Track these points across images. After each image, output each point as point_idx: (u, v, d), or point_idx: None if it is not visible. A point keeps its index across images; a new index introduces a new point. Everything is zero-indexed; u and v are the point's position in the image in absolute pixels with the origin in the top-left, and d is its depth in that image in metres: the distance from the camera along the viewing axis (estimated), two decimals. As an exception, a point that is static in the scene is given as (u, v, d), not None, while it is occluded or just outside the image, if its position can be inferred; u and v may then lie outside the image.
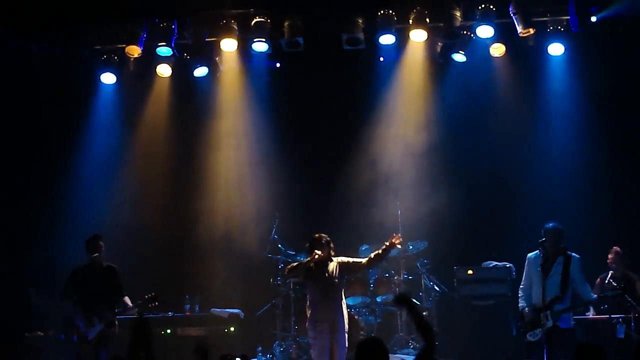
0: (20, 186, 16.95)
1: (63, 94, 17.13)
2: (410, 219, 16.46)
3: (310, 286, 13.24)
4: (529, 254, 13.21)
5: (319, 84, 17.41)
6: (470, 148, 17.10)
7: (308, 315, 13.17)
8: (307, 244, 13.32)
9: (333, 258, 13.20)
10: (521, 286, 13.29)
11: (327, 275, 13.06)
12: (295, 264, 13.51)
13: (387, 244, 13.14)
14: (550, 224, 13.02)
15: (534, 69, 16.87)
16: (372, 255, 13.35)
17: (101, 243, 13.98)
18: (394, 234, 13.31)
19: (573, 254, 12.87)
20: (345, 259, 13.30)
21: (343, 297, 13.27)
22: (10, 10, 15.97)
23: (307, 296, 13.35)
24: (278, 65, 17.53)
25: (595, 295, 13.23)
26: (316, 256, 12.99)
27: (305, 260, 13.27)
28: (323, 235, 13.24)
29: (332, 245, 13.23)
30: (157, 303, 14.01)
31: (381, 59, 17.25)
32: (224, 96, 17.68)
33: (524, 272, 13.34)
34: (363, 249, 16.25)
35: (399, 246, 13.46)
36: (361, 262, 13.39)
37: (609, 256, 14.68)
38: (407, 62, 17.06)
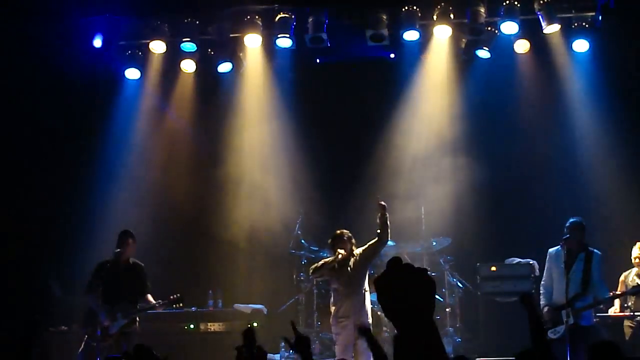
0: (44, 180, 17.01)
1: (87, 89, 17.19)
2: (433, 216, 16.46)
3: (333, 283, 13.26)
4: (550, 250, 13.17)
5: (342, 80, 17.43)
6: (494, 144, 17.06)
7: (332, 312, 13.19)
8: (329, 241, 13.32)
9: (354, 253, 13.21)
10: (542, 282, 13.25)
11: (349, 271, 13.08)
12: (319, 264, 13.48)
13: (377, 204, 13.14)
14: (573, 219, 12.97)
15: (559, 66, 16.81)
16: (378, 230, 13.25)
17: (128, 239, 13.99)
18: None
19: (595, 250, 12.82)
20: (360, 249, 13.28)
21: (367, 292, 13.27)
22: (37, 5, 16.07)
23: (331, 292, 13.36)
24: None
25: (610, 294, 13.10)
26: (340, 256, 13.00)
27: (330, 259, 13.28)
28: (345, 231, 13.26)
29: (353, 241, 13.23)
30: (182, 304, 14.05)
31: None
32: (247, 92, 17.71)
33: (545, 268, 13.30)
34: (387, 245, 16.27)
35: (382, 203, 13.30)
36: (374, 241, 13.29)
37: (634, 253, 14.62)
38: (431, 58, 17.02)
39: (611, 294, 13.20)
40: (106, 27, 16.64)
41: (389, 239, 13.74)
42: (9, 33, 16.19)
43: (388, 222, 13.22)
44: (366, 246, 13.32)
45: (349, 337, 12.98)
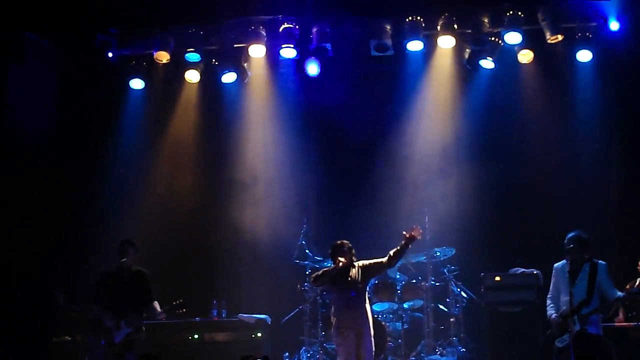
0: (49, 189, 17.03)
1: (92, 100, 17.25)
2: (437, 226, 16.46)
3: (334, 293, 13.25)
4: (556, 264, 13.15)
5: (347, 90, 17.46)
6: (497, 154, 17.09)
7: (333, 322, 13.17)
8: (329, 251, 13.33)
9: (355, 263, 13.20)
10: (549, 295, 13.22)
11: (350, 281, 13.05)
12: (320, 272, 13.43)
13: (407, 236, 12.97)
14: (573, 233, 12.96)
15: (562, 76, 16.83)
16: (392, 252, 13.13)
17: (130, 248, 14.04)
18: (413, 226, 13.21)
19: (599, 261, 12.81)
20: (366, 262, 13.25)
21: (367, 302, 13.26)
22: (43, 16, 16.11)
23: (332, 303, 13.35)
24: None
25: (621, 293, 13.06)
26: (340, 264, 12.99)
27: (330, 268, 13.27)
28: (345, 242, 13.24)
29: (353, 251, 13.22)
30: (184, 310, 14.07)
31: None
32: (252, 102, 17.75)
33: (551, 281, 13.28)
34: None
35: (419, 237, 13.25)
36: (382, 261, 13.24)
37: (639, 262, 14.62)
38: (435, 69, 17.05)
39: (621, 293, 13.05)
40: (111, 38, 16.72)
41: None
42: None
43: (404, 253, 13.26)
44: (372, 261, 13.30)
45: (350, 348, 12.95)
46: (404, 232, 13.05)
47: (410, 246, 13.15)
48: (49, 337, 16.07)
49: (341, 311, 13.06)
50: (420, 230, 13.18)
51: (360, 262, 13.24)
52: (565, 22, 15.93)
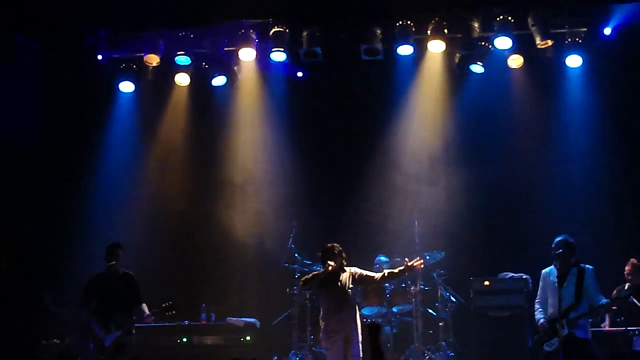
0: (38, 193, 16.99)
1: (82, 102, 17.23)
2: (427, 230, 16.45)
3: (323, 296, 13.24)
4: (543, 270, 13.18)
5: (337, 94, 17.46)
6: (487, 159, 17.08)
7: (322, 326, 13.16)
8: (320, 254, 13.33)
9: (345, 268, 13.20)
10: (537, 300, 13.24)
11: (339, 285, 13.06)
12: (309, 276, 13.46)
13: (409, 264, 13.08)
14: (561, 237, 12.98)
15: (552, 81, 16.86)
16: (387, 272, 13.32)
17: (119, 251, 14.02)
18: (418, 257, 13.29)
19: (586, 265, 12.83)
20: (358, 271, 13.28)
21: (356, 306, 13.27)
22: (33, 18, 16.08)
23: (321, 307, 13.34)
24: (300, 74, 17.55)
25: (607, 300, 13.06)
26: (330, 268, 13.00)
27: (319, 271, 13.27)
28: (335, 245, 13.26)
29: (344, 255, 13.22)
30: (174, 312, 14.05)
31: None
32: (241, 105, 17.75)
33: (539, 286, 13.30)
34: (379, 259, 16.24)
35: (418, 269, 13.44)
36: (374, 277, 13.34)
37: (626, 268, 14.65)
38: (425, 73, 17.06)
39: (606, 300, 13.05)
40: (101, 41, 16.71)
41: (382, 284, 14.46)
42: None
43: (399, 278, 13.65)
44: (365, 273, 13.33)
45: (339, 352, 12.96)
46: (406, 259, 13.14)
47: (407, 274, 13.32)
48: (37, 340, 16.02)
49: (330, 315, 13.06)
50: (422, 265, 13.42)
51: (353, 269, 13.25)
52: (555, 27, 15.92)
